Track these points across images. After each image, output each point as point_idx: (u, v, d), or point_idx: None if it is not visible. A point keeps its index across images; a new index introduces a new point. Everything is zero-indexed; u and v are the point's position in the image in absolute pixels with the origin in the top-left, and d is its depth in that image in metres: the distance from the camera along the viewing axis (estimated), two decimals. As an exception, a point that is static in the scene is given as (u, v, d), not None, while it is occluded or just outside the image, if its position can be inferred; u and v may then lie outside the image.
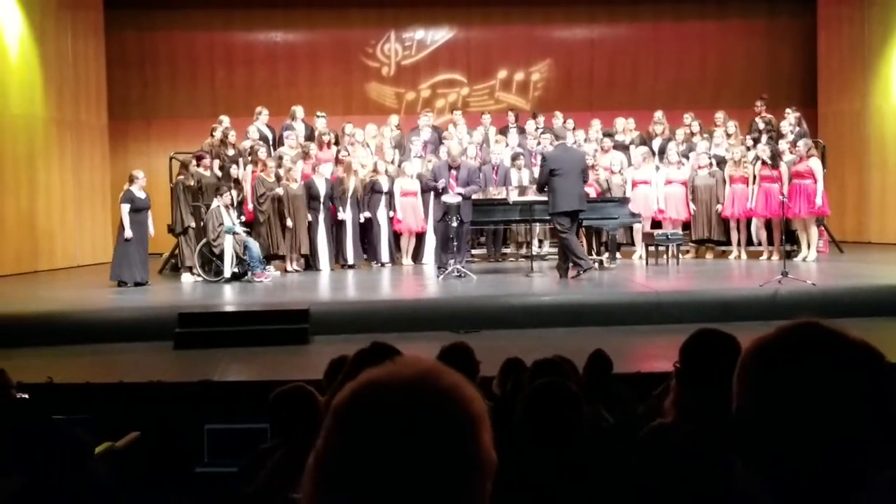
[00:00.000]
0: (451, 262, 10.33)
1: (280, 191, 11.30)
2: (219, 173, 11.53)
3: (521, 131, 13.39)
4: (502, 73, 16.35)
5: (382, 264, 11.94)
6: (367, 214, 11.85)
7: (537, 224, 11.88)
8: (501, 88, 16.36)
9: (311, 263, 11.65)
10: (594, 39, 16.33)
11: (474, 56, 16.30)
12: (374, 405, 0.97)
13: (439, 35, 16.30)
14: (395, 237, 12.22)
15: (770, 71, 16.01)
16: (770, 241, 11.85)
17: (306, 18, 15.99)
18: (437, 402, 0.97)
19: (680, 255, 11.62)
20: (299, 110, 12.92)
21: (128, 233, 10.24)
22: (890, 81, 14.26)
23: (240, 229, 10.77)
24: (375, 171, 12.03)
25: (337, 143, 12.62)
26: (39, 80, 13.18)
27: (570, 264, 9.93)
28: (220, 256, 10.63)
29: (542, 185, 9.97)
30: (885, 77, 14.36)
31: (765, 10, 16.24)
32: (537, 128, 13.39)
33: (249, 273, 10.58)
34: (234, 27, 15.93)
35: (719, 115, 13.16)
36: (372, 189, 11.94)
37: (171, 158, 12.39)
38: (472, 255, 12.42)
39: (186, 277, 10.94)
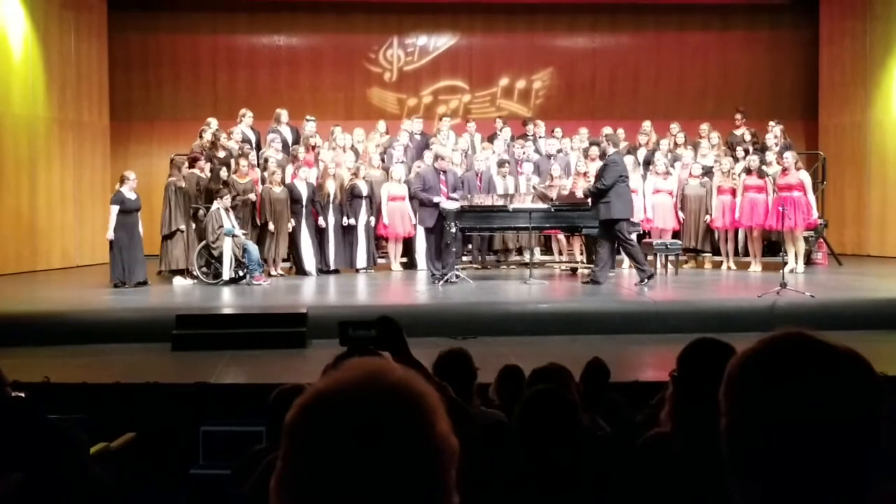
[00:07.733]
0: (448, 268, 10.31)
1: (252, 196, 11.22)
2: (209, 175, 11.39)
3: (512, 139, 13.37)
4: (504, 81, 16.36)
5: (358, 270, 11.83)
6: (352, 221, 11.74)
7: (536, 231, 11.88)
8: (503, 96, 16.37)
9: (299, 267, 11.52)
10: (596, 48, 16.36)
11: (476, 63, 16.31)
12: (323, 416, 0.95)
13: (442, 41, 16.32)
14: (378, 242, 12.14)
15: (772, 83, 16.04)
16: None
17: (309, 23, 16.01)
18: (386, 401, 0.96)
19: (672, 266, 11.62)
20: (284, 114, 12.85)
21: (110, 234, 10.33)
22: (891, 95, 14.28)
23: (239, 232, 10.76)
24: (356, 175, 11.95)
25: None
26: (42, 80, 13.19)
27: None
28: (219, 259, 10.62)
29: (608, 189, 9.91)
30: (886, 90, 14.38)
31: (767, 23, 16.27)
32: (525, 135, 13.44)
33: (248, 276, 10.58)
34: (237, 30, 15.95)
35: (704, 127, 13.20)
36: (352, 194, 11.87)
37: (171, 160, 12.40)
38: (469, 263, 12.39)
39: (178, 281, 10.79)
